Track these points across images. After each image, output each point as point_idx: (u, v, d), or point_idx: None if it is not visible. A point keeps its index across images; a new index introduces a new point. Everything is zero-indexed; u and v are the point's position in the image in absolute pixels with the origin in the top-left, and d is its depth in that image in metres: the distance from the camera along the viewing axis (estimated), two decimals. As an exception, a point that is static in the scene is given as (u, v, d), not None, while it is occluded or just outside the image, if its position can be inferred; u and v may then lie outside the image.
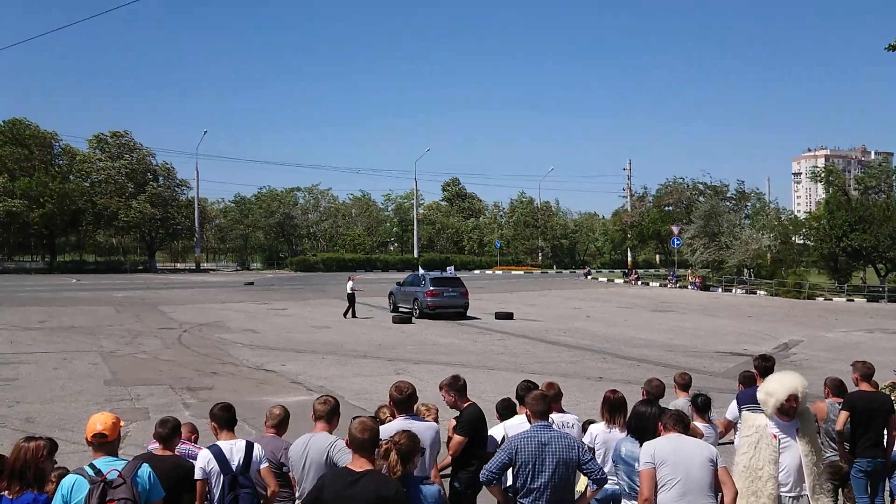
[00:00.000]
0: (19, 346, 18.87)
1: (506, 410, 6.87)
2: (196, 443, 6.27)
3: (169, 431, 5.27)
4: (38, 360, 16.86)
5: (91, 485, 4.08)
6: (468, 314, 29.25)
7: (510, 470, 5.16)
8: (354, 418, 4.52)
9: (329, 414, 5.39)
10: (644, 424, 5.51)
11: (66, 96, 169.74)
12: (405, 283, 32.05)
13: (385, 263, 77.58)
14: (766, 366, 7.20)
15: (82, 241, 78.81)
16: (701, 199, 63.11)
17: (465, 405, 6.28)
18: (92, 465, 4.22)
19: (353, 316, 27.51)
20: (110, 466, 4.20)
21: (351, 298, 27.94)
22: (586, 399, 12.93)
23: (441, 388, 6.33)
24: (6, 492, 4.14)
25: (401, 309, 30.32)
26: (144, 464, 4.38)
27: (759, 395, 5.89)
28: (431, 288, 29.43)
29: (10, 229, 62.90)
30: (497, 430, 6.51)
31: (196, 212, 70.41)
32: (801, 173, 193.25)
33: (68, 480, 4.14)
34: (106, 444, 4.35)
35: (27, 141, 64.34)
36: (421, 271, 33.68)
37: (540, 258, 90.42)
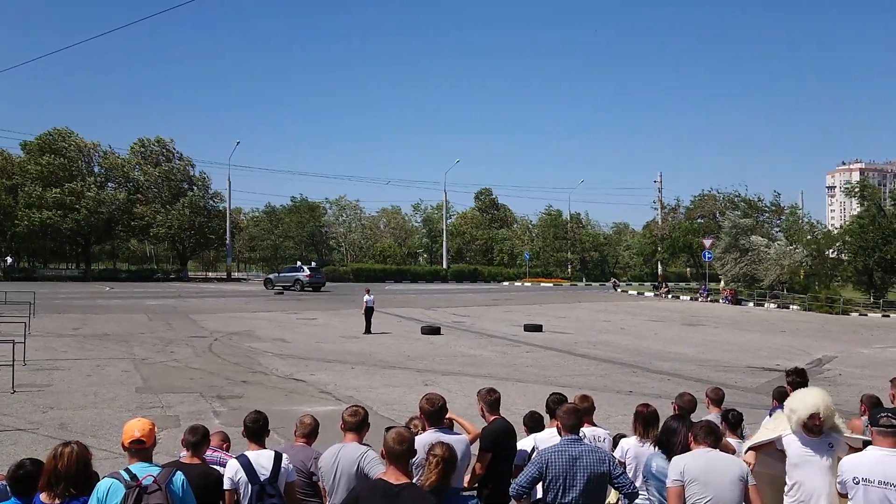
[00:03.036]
0: (53, 353, 19.13)
1: (533, 423, 6.83)
2: (228, 451, 6.30)
3: (198, 439, 5.31)
4: (72, 367, 17.09)
5: (127, 489, 4.13)
6: (497, 328, 29.32)
7: (539, 484, 5.13)
8: (389, 429, 4.51)
9: (359, 425, 5.40)
10: (675, 440, 5.44)
11: (100, 108, 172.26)
12: (284, 271, 56.79)
13: (414, 274, 77.56)
14: (799, 381, 7.08)
15: (116, 250, 79.88)
16: (734, 213, 62.15)
17: (492, 419, 6.27)
18: (127, 470, 4.27)
19: (369, 332, 26.10)
20: (146, 472, 4.25)
21: (369, 313, 26.67)
22: (616, 413, 12.83)
23: (477, 396, 6.37)
24: (43, 494, 4.18)
25: (280, 286, 52.47)
26: (179, 471, 4.43)
27: (785, 410, 5.82)
28: (308, 273, 53.56)
29: (45, 238, 63.87)
30: (527, 443, 6.47)
31: (227, 221, 71.00)
32: (835, 187, 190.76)
33: (104, 484, 4.18)
34: (143, 450, 4.42)
35: (66, 150, 65.30)
36: (298, 263, 57.74)
37: (569, 270, 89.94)
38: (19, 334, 18.07)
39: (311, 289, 52.12)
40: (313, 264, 59.78)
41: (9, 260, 70.87)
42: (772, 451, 5.88)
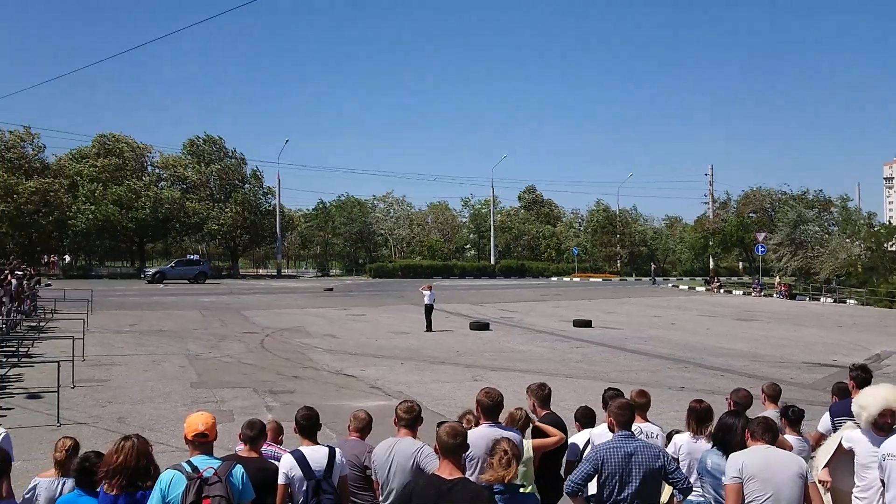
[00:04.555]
0: (111, 349, 19.60)
1: (585, 418, 6.81)
2: (281, 443, 6.38)
3: (256, 433, 5.41)
4: (129, 363, 17.50)
5: (188, 480, 4.23)
6: (545, 324, 29.26)
7: (593, 480, 5.11)
8: (441, 423, 4.52)
9: (413, 420, 5.44)
10: (731, 437, 5.36)
11: (152, 107, 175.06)
12: (179, 265, 57.90)
13: (462, 270, 77.55)
14: (863, 377, 6.90)
15: (170, 248, 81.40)
16: (786, 207, 61.06)
17: (543, 414, 6.27)
18: (189, 462, 4.38)
19: (430, 329, 25.65)
20: (207, 464, 4.35)
21: (429, 310, 26.14)
22: (668, 409, 12.67)
23: (527, 391, 6.38)
24: (106, 486, 4.30)
25: (174, 279, 54.79)
26: (238, 465, 4.51)
27: (854, 407, 5.70)
28: (210, 266, 61.42)
29: (104, 236, 65.41)
30: (581, 437, 6.45)
31: (277, 219, 71.81)
32: (893, 178, 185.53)
33: (167, 475, 4.29)
34: (205, 443, 4.52)
35: (120, 150, 66.80)
36: (196, 256, 63.47)
37: (618, 265, 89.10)
38: (78, 331, 18.57)
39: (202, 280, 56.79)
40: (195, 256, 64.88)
41: (67, 258, 72.79)
42: (842, 459, 5.76)
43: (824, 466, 5.97)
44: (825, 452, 6.05)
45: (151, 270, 57.70)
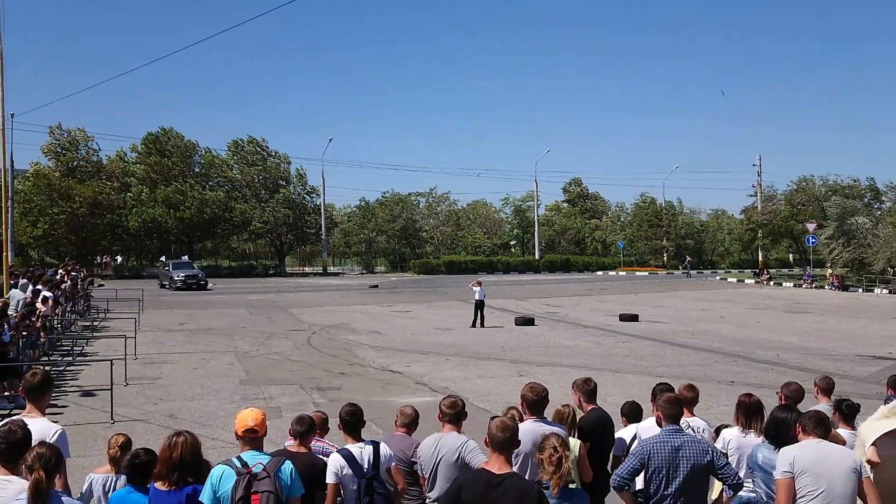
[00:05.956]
0: (162, 347, 19.98)
1: (632, 413, 6.76)
2: (324, 436, 6.43)
3: (305, 429, 5.46)
4: (179, 361, 17.80)
5: (238, 476, 4.31)
6: (591, 318, 29.07)
7: (639, 474, 5.06)
8: (493, 418, 4.52)
9: (457, 416, 5.46)
10: (784, 431, 5.26)
11: (197, 106, 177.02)
12: (175, 267, 48.52)
13: (506, 265, 77.38)
14: (919, 369, 6.74)
15: (217, 247, 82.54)
16: (834, 197, 59.60)
17: (589, 409, 6.24)
18: (239, 458, 4.46)
19: (482, 325, 25.43)
20: (256, 460, 4.43)
21: (479, 306, 25.78)
22: (717, 403, 12.53)
23: (573, 386, 6.36)
24: (158, 482, 4.39)
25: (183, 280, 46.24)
26: (287, 460, 4.58)
27: None
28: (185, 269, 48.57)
29: (153, 236, 66.67)
30: (628, 432, 6.40)
31: (322, 217, 72.39)
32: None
33: (217, 470, 4.38)
34: (255, 439, 4.60)
35: (169, 151, 68.07)
36: (186, 258, 54.54)
37: (665, 259, 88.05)
38: (130, 330, 19.00)
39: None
40: (185, 257, 58.82)
41: (118, 259, 74.35)
42: (889, 443, 5.60)
43: (871, 444, 5.77)
44: (873, 430, 5.81)
45: (184, 273, 47.56)
